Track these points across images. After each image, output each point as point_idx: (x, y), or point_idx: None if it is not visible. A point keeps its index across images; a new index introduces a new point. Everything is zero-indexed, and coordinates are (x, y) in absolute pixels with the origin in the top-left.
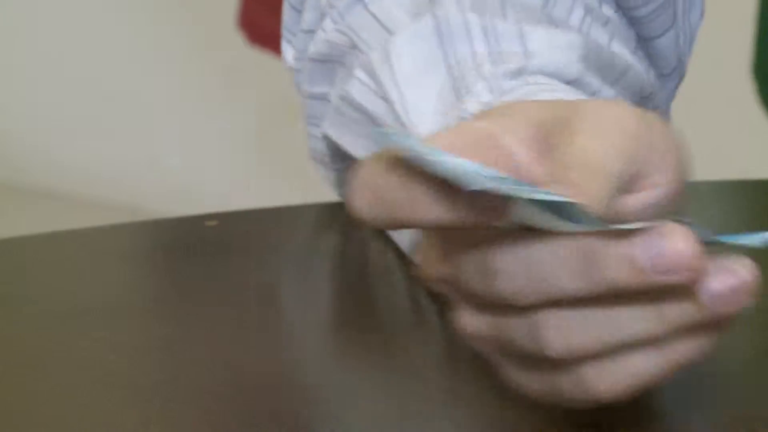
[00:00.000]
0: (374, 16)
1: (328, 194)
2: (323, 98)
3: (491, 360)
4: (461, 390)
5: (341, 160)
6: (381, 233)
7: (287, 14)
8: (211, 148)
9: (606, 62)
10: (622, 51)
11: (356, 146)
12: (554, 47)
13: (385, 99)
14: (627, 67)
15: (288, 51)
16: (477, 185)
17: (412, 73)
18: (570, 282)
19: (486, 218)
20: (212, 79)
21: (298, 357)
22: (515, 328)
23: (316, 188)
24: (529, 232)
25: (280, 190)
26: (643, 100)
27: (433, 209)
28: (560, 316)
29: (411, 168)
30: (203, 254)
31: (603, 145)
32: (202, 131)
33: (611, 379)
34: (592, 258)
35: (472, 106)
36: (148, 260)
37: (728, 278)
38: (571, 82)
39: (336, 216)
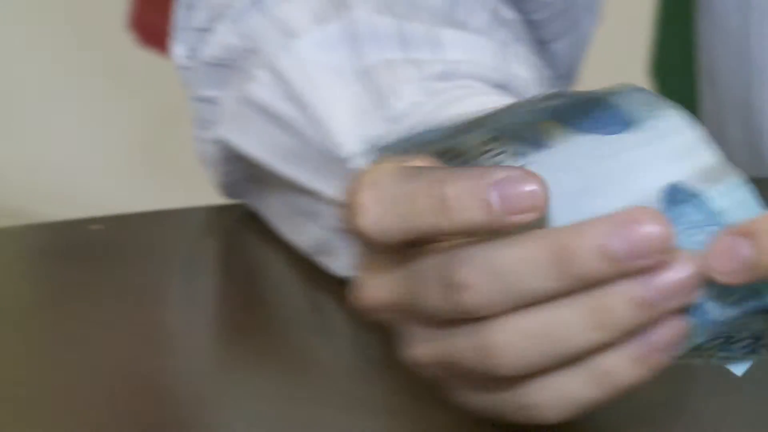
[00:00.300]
0: (275, 20)
1: (215, 197)
2: (213, 102)
3: (442, 385)
4: (353, 393)
5: (233, 163)
6: (269, 236)
7: (178, 12)
8: (96, 150)
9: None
10: (526, 53)
11: (259, 148)
12: (469, 49)
13: (296, 102)
14: (533, 65)
15: (178, 49)
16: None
17: (323, 76)
18: (542, 283)
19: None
20: (97, 80)
21: (181, 362)
22: (464, 348)
23: (203, 191)
24: (491, 240)
25: (166, 192)
26: None
27: (465, 212)
28: (510, 333)
29: (429, 172)
30: (87, 258)
31: None
32: (86, 133)
33: (554, 401)
34: (562, 254)
35: (402, 105)
36: (31, 265)
37: (673, 273)
38: (496, 85)
39: (223, 219)
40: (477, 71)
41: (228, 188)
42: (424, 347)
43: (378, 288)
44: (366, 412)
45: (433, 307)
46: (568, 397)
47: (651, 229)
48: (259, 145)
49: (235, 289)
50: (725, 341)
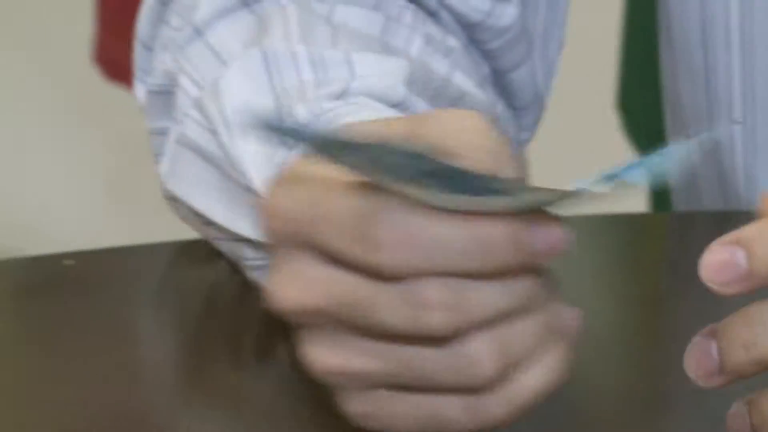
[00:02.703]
0: (211, 48)
1: (184, 231)
2: (163, 133)
3: (346, 393)
4: (310, 426)
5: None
6: (238, 269)
7: (138, 53)
8: (69, 185)
9: (437, 88)
10: (463, 80)
11: (195, 193)
12: (380, 72)
13: (213, 132)
14: (462, 94)
15: (140, 89)
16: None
17: (239, 104)
18: (461, 262)
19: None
20: (68, 116)
21: (151, 395)
22: (434, 359)
23: (175, 224)
24: (414, 206)
25: (137, 226)
26: None
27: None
28: (484, 342)
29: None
30: (61, 293)
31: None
32: (58, 168)
33: (507, 402)
34: (485, 241)
35: None
36: (3, 299)
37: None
38: (395, 105)
39: (193, 253)
40: (374, 90)
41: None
42: (338, 355)
43: (294, 289)
44: None
45: (352, 258)
46: (521, 393)
47: (560, 234)
48: (189, 186)
49: (205, 323)
50: None
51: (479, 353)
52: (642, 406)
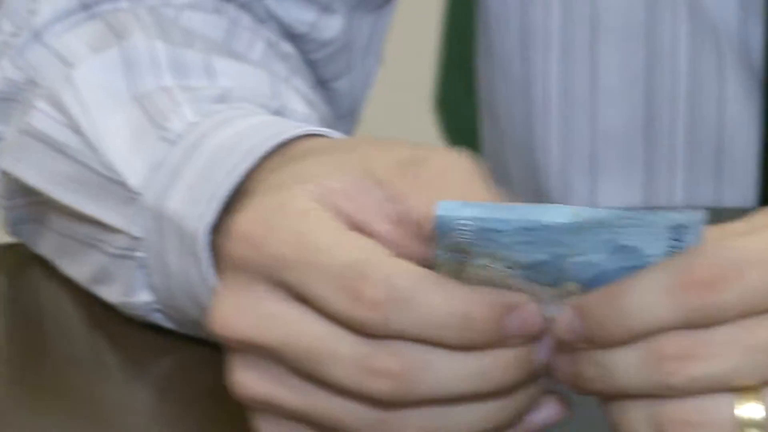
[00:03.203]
0: (53, 51)
1: (2, 235)
2: (2, 138)
3: (264, 418)
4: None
5: (15, 199)
6: (55, 275)
7: None
8: None
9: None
10: (302, 85)
11: (39, 177)
12: (244, 79)
13: (75, 130)
14: (311, 101)
15: None
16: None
17: (100, 102)
18: (439, 332)
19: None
20: None
21: None
22: (362, 417)
23: None
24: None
25: None
26: None
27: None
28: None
29: None
30: None
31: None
32: None
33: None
34: (466, 316)
35: (179, 126)
36: None
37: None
38: (275, 113)
39: (9, 257)
40: (251, 97)
41: (12, 226)
42: (266, 385)
43: (251, 322)
44: None
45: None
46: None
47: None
48: (39, 174)
49: (21, 329)
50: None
51: (407, 427)
52: None
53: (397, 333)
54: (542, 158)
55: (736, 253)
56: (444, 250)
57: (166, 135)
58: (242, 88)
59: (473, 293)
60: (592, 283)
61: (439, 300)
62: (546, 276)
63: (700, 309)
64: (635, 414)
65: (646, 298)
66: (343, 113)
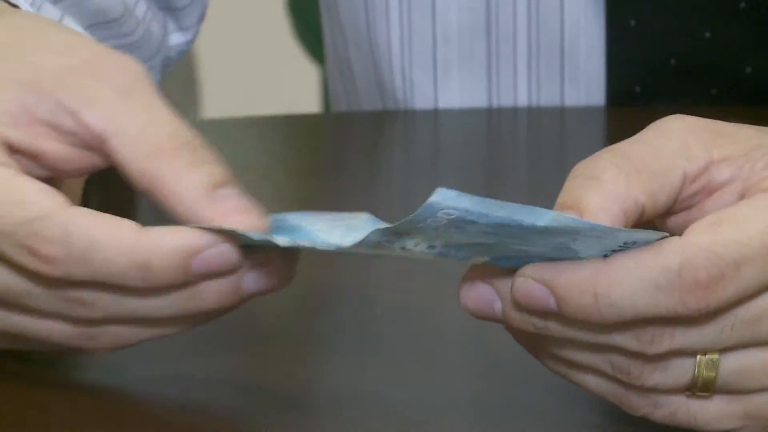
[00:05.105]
0: None
1: None
2: None
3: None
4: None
5: None
6: None
7: None
8: None
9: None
10: None
11: None
12: None
13: None
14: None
15: None
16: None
17: None
18: (122, 281)
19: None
20: None
21: None
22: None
23: None
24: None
25: None
26: (107, 24)
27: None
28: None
29: None
30: None
31: None
32: None
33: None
34: (145, 266)
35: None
36: None
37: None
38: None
39: None
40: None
41: None
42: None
43: None
44: None
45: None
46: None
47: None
48: None
49: None
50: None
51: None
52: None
53: (83, 282)
54: (385, 55)
55: (733, 250)
56: (385, 234)
57: None
58: None
59: (157, 238)
60: (502, 260)
61: (115, 252)
62: (462, 252)
63: (697, 311)
64: (593, 359)
65: (639, 296)
66: (185, 3)
